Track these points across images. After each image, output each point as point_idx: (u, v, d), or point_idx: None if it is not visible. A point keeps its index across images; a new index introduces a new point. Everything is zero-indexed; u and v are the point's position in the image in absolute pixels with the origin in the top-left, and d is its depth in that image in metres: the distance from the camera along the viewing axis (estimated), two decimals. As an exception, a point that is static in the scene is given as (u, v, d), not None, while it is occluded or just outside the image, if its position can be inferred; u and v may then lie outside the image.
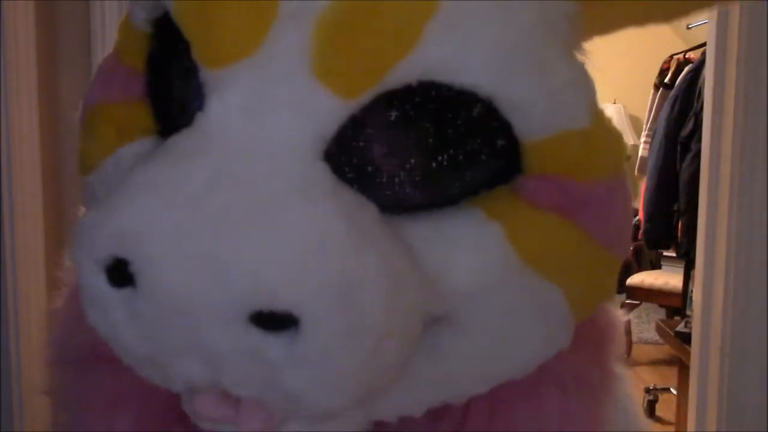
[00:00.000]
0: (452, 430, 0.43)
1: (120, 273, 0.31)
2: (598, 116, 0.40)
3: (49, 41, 1.13)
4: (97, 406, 0.47)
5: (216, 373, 0.32)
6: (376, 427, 0.42)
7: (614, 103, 5.48)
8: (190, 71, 0.35)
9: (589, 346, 0.49)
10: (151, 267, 0.30)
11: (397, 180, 0.35)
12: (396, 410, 0.41)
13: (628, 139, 5.36)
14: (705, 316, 1.31)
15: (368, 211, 0.34)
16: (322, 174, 0.32)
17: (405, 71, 0.33)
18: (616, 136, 0.42)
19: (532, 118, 0.35)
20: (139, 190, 0.31)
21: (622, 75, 5.63)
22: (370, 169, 0.34)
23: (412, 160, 0.35)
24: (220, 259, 0.29)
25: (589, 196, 0.39)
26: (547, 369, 0.44)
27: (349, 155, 0.34)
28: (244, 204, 0.30)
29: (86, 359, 0.47)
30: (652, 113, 3.27)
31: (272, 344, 0.30)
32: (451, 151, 0.36)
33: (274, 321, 0.29)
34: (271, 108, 0.32)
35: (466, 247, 0.36)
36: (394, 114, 0.34)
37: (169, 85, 0.40)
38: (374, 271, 0.31)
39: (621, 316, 0.55)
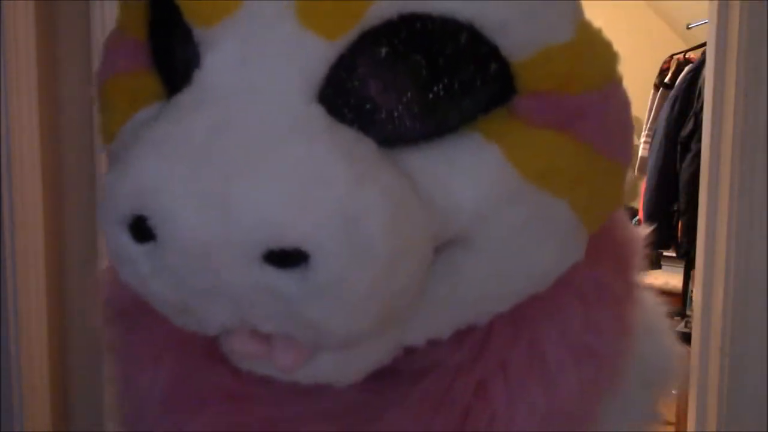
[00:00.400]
0: (476, 353, 0.45)
1: (141, 229, 0.32)
2: (583, 28, 0.41)
3: (49, 41, 1.13)
4: (143, 356, 0.50)
5: (242, 313, 0.34)
6: (406, 354, 0.43)
7: (614, 103, 5.48)
8: (187, 35, 0.37)
9: (609, 258, 0.50)
10: (167, 219, 0.32)
11: (396, 114, 0.37)
12: (423, 334, 0.43)
13: (628, 139, 5.36)
14: (705, 316, 1.31)
15: (366, 145, 0.35)
16: (318, 114, 0.33)
17: (384, 7, 0.34)
18: (604, 44, 0.43)
19: (515, 37, 0.36)
20: (148, 148, 0.33)
21: (622, 75, 5.63)
22: (368, 106, 0.35)
23: (409, 94, 0.36)
24: (228, 204, 0.31)
25: (582, 106, 0.40)
26: (566, 282, 0.44)
27: (345, 96, 0.35)
28: (245, 149, 0.31)
29: (131, 314, 0.51)
30: (652, 113, 3.27)
31: (286, 280, 0.32)
32: (446, 81, 0.37)
33: (286, 258, 0.31)
34: (261, 56, 0.34)
35: (467, 170, 0.37)
36: (383, 50, 0.36)
37: (171, 51, 0.41)
38: (376, 201, 0.32)
39: (642, 231, 0.55)
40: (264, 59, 0.34)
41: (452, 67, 0.37)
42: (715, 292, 1.28)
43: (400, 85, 0.36)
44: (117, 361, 0.55)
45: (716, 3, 1.26)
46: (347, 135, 0.34)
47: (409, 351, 0.44)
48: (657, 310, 0.59)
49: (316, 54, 0.34)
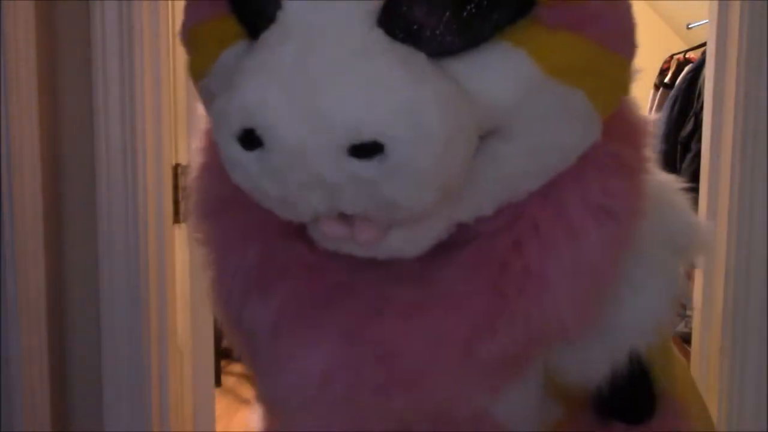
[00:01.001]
0: (512, 220, 0.55)
1: (250, 139, 0.42)
2: None
3: (49, 41, 1.13)
4: (233, 241, 0.62)
5: (333, 201, 0.44)
6: (458, 230, 0.54)
7: (614, 103, 5.48)
8: None
9: (622, 136, 0.59)
10: (270, 128, 0.41)
11: (438, 32, 0.46)
12: (472, 211, 0.54)
13: (628, 139, 5.36)
14: (705, 316, 1.31)
15: (418, 57, 0.44)
16: (379, 37, 0.43)
17: None
18: None
19: None
20: (250, 74, 0.43)
21: None
22: (415, 27, 0.45)
23: (447, 14, 0.45)
24: (317, 112, 0.40)
25: (593, 10, 0.50)
26: (586, 157, 0.54)
27: (398, 20, 0.44)
28: (326, 68, 0.41)
29: (219, 209, 0.63)
30: (652, 113, 3.27)
31: (367, 167, 0.41)
32: (476, 0, 0.46)
33: (366, 149, 0.40)
34: (331, 8, 0.43)
35: (500, 70, 0.47)
36: None
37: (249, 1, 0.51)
38: (430, 98, 0.42)
39: (651, 116, 0.65)
40: (331, 7, 0.43)
41: None
42: (715, 292, 1.28)
43: (439, 8, 0.45)
44: (210, 250, 0.66)
45: (716, 3, 1.26)
46: (402, 50, 0.43)
47: (460, 227, 0.54)
48: (671, 184, 0.68)
49: None
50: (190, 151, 0.81)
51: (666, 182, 0.70)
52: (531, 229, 0.57)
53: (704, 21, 1.68)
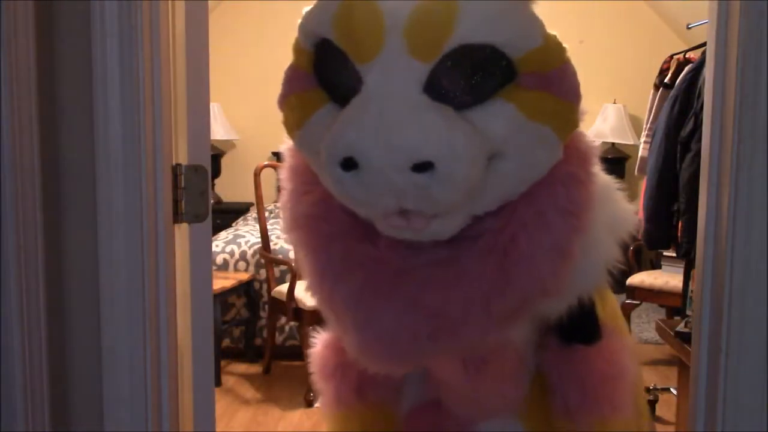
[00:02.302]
0: (507, 220, 0.92)
1: (349, 164, 0.80)
2: (547, 36, 0.87)
3: (49, 41, 1.13)
4: (320, 244, 0.97)
5: (399, 202, 0.83)
6: (471, 223, 0.95)
7: (614, 102, 5.48)
8: (346, 65, 0.85)
9: (576, 158, 0.97)
10: (364, 156, 0.79)
11: (459, 95, 0.84)
12: (483, 207, 0.91)
13: (629, 139, 5.36)
14: (705, 316, 1.31)
15: (449, 110, 0.82)
16: (425, 99, 0.82)
17: (451, 44, 0.82)
18: (557, 43, 0.89)
19: (514, 48, 0.83)
20: (349, 123, 0.81)
21: (622, 75, 5.64)
22: (445, 92, 0.83)
23: (462, 82, 0.84)
24: (392, 146, 0.78)
25: (553, 77, 0.87)
26: (553, 175, 0.91)
27: (436, 89, 0.82)
28: (395, 117, 0.78)
29: (306, 222, 0.99)
30: (652, 113, 3.27)
31: (423, 178, 0.80)
32: (481, 73, 0.84)
33: (422, 167, 0.79)
34: (395, 75, 0.82)
35: (498, 116, 0.84)
36: (450, 61, 0.84)
37: (332, 76, 0.89)
38: (459, 134, 0.81)
39: (595, 142, 1.04)
40: (396, 75, 0.81)
41: (484, 67, 0.85)
42: (715, 292, 1.28)
43: (459, 79, 0.84)
44: (303, 251, 1.02)
45: (716, 3, 1.26)
46: (439, 106, 0.81)
47: (473, 220, 0.91)
48: (612, 185, 1.10)
49: (421, 70, 0.84)
50: (188, 153, 1.16)
51: (608, 183, 1.12)
52: (521, 228, 0.94)
53: (704, 21, 1.68)
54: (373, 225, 1.00)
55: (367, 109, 0.85)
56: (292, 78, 1.01)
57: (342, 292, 0.98)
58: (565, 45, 0.95)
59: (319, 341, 1.30)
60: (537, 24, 0.91)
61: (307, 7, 1.00)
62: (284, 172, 1.13)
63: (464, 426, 1.20)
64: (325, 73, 0.96)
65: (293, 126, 1.01)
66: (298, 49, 1.02)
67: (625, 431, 1.16)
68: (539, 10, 0.95)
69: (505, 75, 0.89)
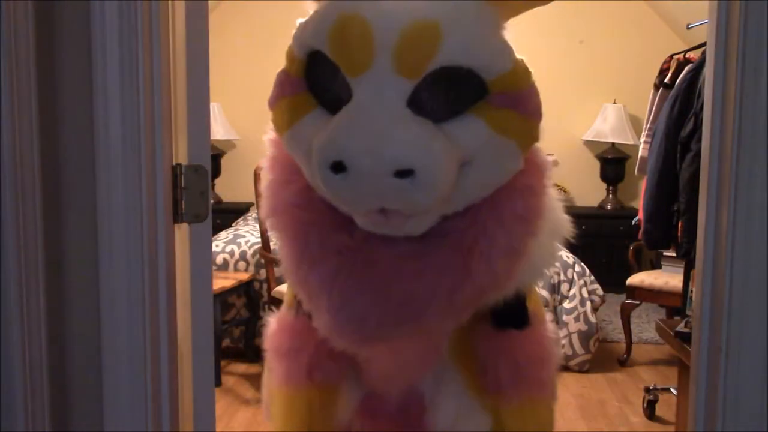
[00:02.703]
0: (471, 221, 1.04)
1: (338, 167, 0.92)
2: (516, 61, 1.03)
3: (49, 41, 1.13)
4: (298, 231, 1.05)
5: (381, 202, 0.96)
6: (440, 221, 1.09)
7: (614, 102, 5.48)
8: (336, 76, 0.99)
9: (533, 171, 1.11)
10: (352, 160, 0.91)
11: (437, 109, 0.98)
12: (453, 208, 1.04)
13: (628, 139, 5.36)
14: (705, 316, 1.31)
15: (428, 123, 0.96)
16: (408, 112, 0.96)
17: (433, 64, 0.97)
18: (525, 68, 1.05)
19: (488, 71, 0.99)
20: (339, 130, 0.94)
21: (622, 75, 5.64)
22: (425, 106, 0.97)
23: (441, 98, 0.98)
24: (378, 152, 0.90)
25: (519, 97, 1.02)
26: (512, 183, 1.06)
27: (417, 103, 0.96)
28: (381, 128, 0.90)
29: (285, 209, 1.06)
30: (652, 113, 3.27)
31: (405, 183, 0.92)
32: (456, 91, 0.99)
33: (404, 173, 0.91)
34: (383, 90, 0.95)
35: (470, 130, 0.99)
36: (431, 80, 0.98)
37: (322, 84, 1.01)
38: (438, 145, 0.95)
39: (548, 158, 1.17)
40: (384, 90, 0.95)
41: (459, 85, 0.98)
42: (715, 292, 1.28)
43: (438, 96, 0.98)
44: (281, 235, 1.10)
45: (716, 3, 1.26)
46: (420, 119, 0.95)
47: (441, 219, 1.04)
48: (554, 196, 1.20)
49: (406, 87, 0.97)
50: (185, 153, 1.21)
51: (552, 193, 1.22)
52: (483, 230, 1.07)
53: (704, 21, 1.68)
54: (350, 217, 1.11)
55: (356, 119, 0.99)
56: (284, 82, 1.12)
57: (317, 276, 1.08)
58: (531, 69, 1.11)
59: (275, 322, 1.36)
60: (508, 51, 1.08)
61: (301, 19, 1.10)
62: (267, 162, 1.21)
63: (407, 389, 1.33)
64: (315, 81, 1.07)
65: (283, 126, 1.12)
66: (291, 56, 1.12)
67: (548, 413, 1.34)
68: (510, 35, 1.11)
69: (477, 93, 1.05)
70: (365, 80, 1.00)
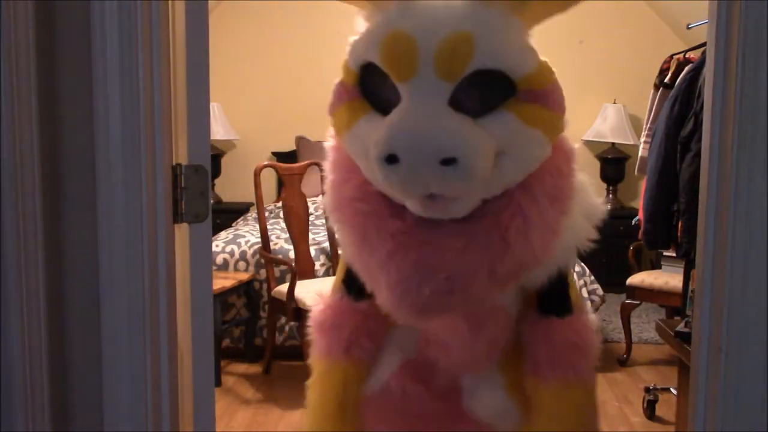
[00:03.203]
0: (507, 203, 1.21)
1: (392, 158, 1.11)
2: (540, 62, 1.21)
3: (49, 41, 1.13)
4: (358, 220, 1.24)
5: (429, 187, 1.15)
6: (482, 204, 1.26)
7: (614, 102, 5.48)
8: (386, 83, 1.18)
9: (560, 156, 1.27)
10: (403, 153, 1.10)
11: (472, 105, 1.16)
12: (490, 192, 1.21)
13: (628, 139, 5.36)
14: (705, 316, 1.31)
15: (468, 119, 1.16)
16: (450, 110, 1.14)
17: (469, 68, 1.15)
18: (548, 67, 1.23)
19: (515, 72, 1.17)
20: (392, 127, 1.13)
21: (622, 75, 5.64)
22: (463, 104, 1.16)
23: (477, 97, 1.16)
24: (426, 145, 1.11)
25: (544, 93, 1.19)
26: (542, 168, 1.23)
27: (457, 102, 1.15)
28: (428, 124, 1.11)
29: (346, 204, 1.26)
30: (652, 113, 3.27)
31: (449, 170, 1.11)
32: (489, 90, 1.17)
33: (448, 161, 1.10)
34: (427, 93, 1.15)
35: (503, 123, 1.16)
36: (467, 82, 1.16)
37: (374, 90, 1.22)
38: (476, 137, 1.13)
39: (575, 145, 1.32)
40: (428, 93, 1.14)
41: (491, 85, 1.17)
42: (715, 292, 1.28)
43: (474, 95, 1.16)
44: (345, 225, 1.28)
45: (716, 3, 1.26)
46: (460, 116, 1.15)
47: (481, 203, 1.22)
48: (586, 181, 1.35)
49: (446, 89, 1.16)
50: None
51: (583, 179, 1.38)
52: (518, 209, 1.21)
53: (704, 21, 1.68)
54: (402, 205, 1.29)
55: (406, 118, 1.18)
56: (341, 91, 1.33)
57: (377, 258, 1.26)
58: (553, 69, 1.28)
59: (323, 301, 1.57)
60: (532, 53, 1.25)
61: (354, 37, 1.32)
62: (328, 165, 1.40)
63: (450, 379, 1.47)
64: (368, 88, 1.28)
65: (342, 129, 1.33)
66: (346, 69, 1.32)
67: (584, 397, 1.43)
68: (535, 40, 1.29)
69: (507, 91, 1.21)
70: (412, 85, 1.20)
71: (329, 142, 1.41)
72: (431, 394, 1.45)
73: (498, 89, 1.20)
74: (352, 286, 1.45)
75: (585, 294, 3.71)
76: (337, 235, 1.40)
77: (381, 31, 1.22)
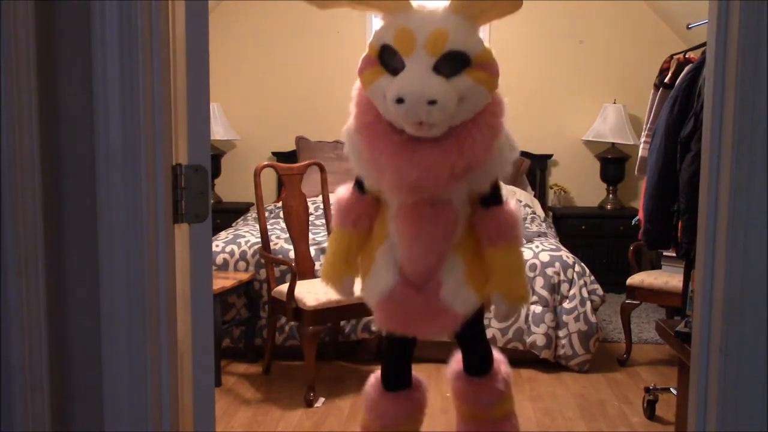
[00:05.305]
0: (461, 132, 2.02)
1: (400, 100, 1.90)
2: (485, 47, 1.99)
3: (49, 41, 1.13)
4: (372, 136, 2.05)
5: (420, 117, 1.91)
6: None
7: (614, 103, 5.48)
8: (396, 56, 1.96)
9: (495, 104, 2.07)
10: (407, 96, 1.89)
11: (446, 71, 1.92)
12: (454, 122, 1.99)
13: (628, 139, 5.37)
14: (705, 316, 1.31)
15: (444, 79, 1.93)
16: (434, 73, 1.92)
17: (445, 49, 1.92)
18: (489, 49, 2.01)
19: (472, 51, 1.96)
20: (400, 81, 1.93)
21: (622, 75, 5.64)
22: (441, 70, 1.93)
23: (449, 66, 1.93)
24: (420, 92, 1.89)
25: (488, 64, 1.99)
26: (484, 109, 2.04)
27: (438, 68, 1.92)
28: (421, 81, 1.91)
29: (366, 126, 2.07)
30: (652, 113, 3.27)
31: (433, 108, 1.90)
32: (456, 62, 1.93)
33: (432, 102, 1.88)
34: (421, 63, 1.93)
35: (463, 82, 1.94)
36: (443, 57, 1.92)
37: (388, 60, 1.98)
38: (450, 90, 1.92)
39: (501, 96, 2.12)
40: (421, 63, 1.92)
41: (458, 59, 1.94)
42: (715, 292, 1.28)
43: (445, 66, 1.92)
44: (364, 141, 2.08)
45: (716, 3, 1.26)
46: (440, 77, 1.92)
47: (448, 128, 2.02)
48: (507, 127, 2.14)
49: (432, 61, 1.92)
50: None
51: (506, 126, 2.13)
52: (469, 132, 1.99)
53: (704, 21, 1.68)
54: (401, 128, 2.01)
55: (409, 77, 1.92)
56: (367, 60, 2.04)
57: (384, 157, 2.01)
58: (489, 47, 2.00)
59: (345, 190, 2.29)
60: (480, 41, 1.98)
61: (377, 28, 2.05)
62: (353, 104, 2.11)
63: (430, 276, 2.20)
64: (384, 59, 1.99)
65: (367, 83, 2.03)
66: (371, 47, 2.03)
67: (520, 252, 2.27)
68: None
69: (466, 63, 1.94)
70: (411, 59, 1.92)
71: (355, 89, 2.14)
72: (420, 294, 2.21)
73: (461, 62, 1.93)
74: (359, 186, 2.25)
75: (585, 294, 3.71)
76: (351, 150, 2.15)
77: (393, 26, 1.99)
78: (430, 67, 1.90)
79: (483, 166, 2.06)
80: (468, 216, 2.19)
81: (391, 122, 2.04)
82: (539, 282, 3.70)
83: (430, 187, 2.01)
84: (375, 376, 2.48)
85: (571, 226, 5.38)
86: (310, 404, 3.26)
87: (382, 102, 1.99)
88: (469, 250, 2.22)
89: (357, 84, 2.14)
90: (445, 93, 1.88)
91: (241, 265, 3.82)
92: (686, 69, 2.82)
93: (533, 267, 3.72)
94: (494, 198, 2.20)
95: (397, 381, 2.43)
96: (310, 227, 3.84)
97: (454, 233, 2.18)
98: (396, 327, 2.27)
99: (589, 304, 3.70)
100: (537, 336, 3.65)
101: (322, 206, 4.20)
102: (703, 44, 2.67)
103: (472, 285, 2.20)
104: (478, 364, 2.40)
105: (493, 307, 2.33)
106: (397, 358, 2.44)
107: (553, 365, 3.72)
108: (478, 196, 2.18)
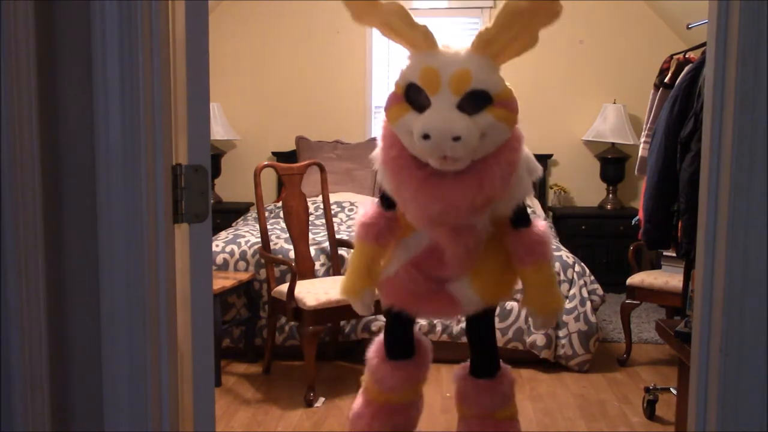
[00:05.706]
0: (483, 165, 2.14)
1: (426, 136, 2.03)
2: (506, 86, 2.12)
3: (49, 41, 1.13)
4: (396, 171, 2.20)
5: (445, 152, 2.05)
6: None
7: (614, 102, 5.48)
8: (421, 94, 2.09)
9: (514, 138, 2.18)
10: (432, 133, 2.02)
11: (469, 109, 2.05)
12: (476, 157, 2.12)
13: (628, 139, 5.37)
14: (705, 316, 1.31)
15: (467, 116, 2.05)
16: (458, 111, 2.04)
17: (468, 88, 2.06)
18: (509, 88, 2.14)
19: (493, 90, 2.08)
20: (426, 119, 2.05)
21: (622, 75, 5.64)
22: (465, 108, 2.05)
23: (472, 104, 2.05)
24: (445, 129, 2.02)
25: (508, 102, 2.10)
26: (505, 148, 2.15)
27: (461, 107, 2.04)
28: (446, 119, 2.03)
29: (391, 160, 2.20)
30: (652, 113, 3.27)
31: (457, 143, 2.02)
32: (478, 100, 2.06)
33: (456, 138, 2.01)
34: (445, 102, 2.05)
35: (485, 119, 2.05)
36: (467, 96, 2.05)
37: (414, 98, 2.11)
38: (473, 126, 2.04)
39: (520, 131, 2.24)
40: (445, 101, 2.05)
41: (480, 98, 2.06)
42: (715, 292, 1.28)
43: (469, 104, 2.05)
44: (390, 174, 2.23)
45: (716, 3, 1.26)
46: (464, 115, 2.04)
47: (470, 162, 2.15)
48: (529, 153, 2.34)
49: (456, 99, 2.05)
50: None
51: (528, 151, 2.32)
52: (489, 167, 2.11)
53: (704, 21, 1.68)
54: (425, 162, 2.12)
55: (434, 115, 2.03)
56: (393, 98, 2.15)
57: (408, 192, 2.14)
58: (509, 86, 2.12)
59: (371, 206, 2.44)
60: (502, 80, 2.10)
61: (403, 67, 2.16)
62: (379, 138, 2.25)
63: (440, 275, 2.35)
64: (410, 96, 2.10)
65: (394, 119, 2.13)
66: (397, 85, 2.13)
67: (551, 269, 2.41)
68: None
69: (488, 101, 2.05)
70: (437, 97, 2.04)
71: (380, 125, 2.29)
72: (426, 280, 2.37)
73: (483, 100, 2.05)
74: (384, 202, 2.38)
75: (585, 294, 3.71)
76: (382, 179, 2.28)
77: (419, 65, 2.11)
78: (455, 105, 2.02)
79: (503, 198, 2.19)
80: (490, 233, 2.31)
81: (415, 156, 2.15)
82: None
83: (452, 220, 2.16)
84: (378, 340, 2.60)
85: (571, 226, 5.38)
86: (310, 404, 3.26)
87: (408, 137, 2.10)
88: (479, 256, 2.33)
89: (382, 118, 2.30)
90: (468, 129, 2.00)
91: (241, 265, 3.82)
92: (686, 69, 2.82)
93: (533, 267, 3.72)
94: (521, 219, 2.32)
95: (399, 351, 2.55)
96: (310, 227, 3.84)
97: (475, 250, 2.30)
98: (396, 303, 2.41)
99: (589, 304, 3.70)
100: (537, 336, 3.66)
101: (322, 206, 4.19)
102: (703, 44, 2.67)
103: (476, 288, 2.33)
104: (485, 366, 2.48)
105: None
106: (398, 332, 2.57)
107: (553, 365, 3.72)
108: (504, 217, 2.30)
